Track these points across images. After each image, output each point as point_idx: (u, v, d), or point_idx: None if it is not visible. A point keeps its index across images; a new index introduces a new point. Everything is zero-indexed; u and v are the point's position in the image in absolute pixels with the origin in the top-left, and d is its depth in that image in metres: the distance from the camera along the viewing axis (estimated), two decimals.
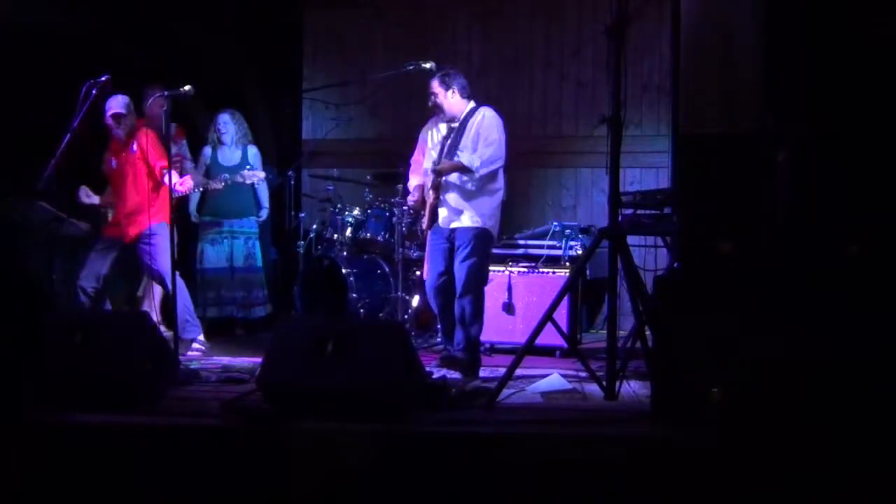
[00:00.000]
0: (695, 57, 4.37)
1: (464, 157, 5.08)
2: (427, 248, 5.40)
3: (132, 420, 3.77)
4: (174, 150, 6.36)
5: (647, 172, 7.25)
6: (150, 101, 5.86)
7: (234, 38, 7.17)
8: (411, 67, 5.04)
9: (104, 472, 3.57)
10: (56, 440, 3.64)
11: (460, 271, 5.09)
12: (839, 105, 4.03)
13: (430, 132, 5.36)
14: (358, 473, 3.53)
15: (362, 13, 7.95)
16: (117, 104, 5.64)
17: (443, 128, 5.28)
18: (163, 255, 5.49)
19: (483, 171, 5.06)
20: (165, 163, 5.35)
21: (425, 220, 5.28)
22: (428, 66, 4.96)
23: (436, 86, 5.18)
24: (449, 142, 5.19)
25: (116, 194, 5.81)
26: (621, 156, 4.43)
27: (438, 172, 5.13)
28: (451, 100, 5.18)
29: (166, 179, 5.32)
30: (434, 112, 5.27)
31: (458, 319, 5.13)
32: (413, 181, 5.48)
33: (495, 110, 5.22)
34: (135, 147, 5.66)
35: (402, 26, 7.82)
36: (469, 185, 5.10)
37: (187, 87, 5.11)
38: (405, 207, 6.07)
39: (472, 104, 5.23)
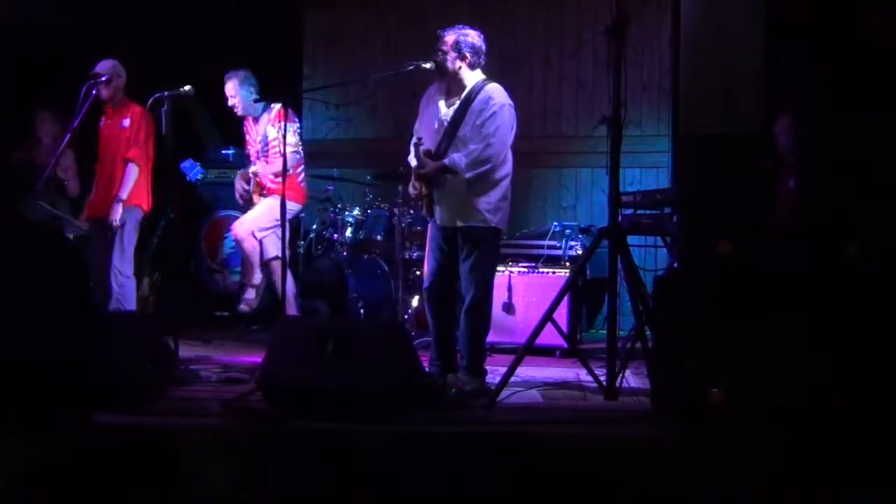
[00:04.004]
0: (695, 57, 4.37)
1: (453, 156, 4.54)
2: (427, 240, 4.96)
3: (132, 420, 3.77)
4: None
5: (647, 172, 7.24)
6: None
7: (234, 38, 7.16)
8: (411, 67, 4.99)
9: (104, 472, 3.57)
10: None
11: (466, 280, 4.60)
12: (839, 105, 4.03)
13: (430, 106, 4.81)
14: (357, 473, 3.53)
15: (362, 13, 7.94)
16: (101, 67, 5.58)
17: (441, 105, 4.74)
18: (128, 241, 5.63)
19: (471, 175, 4.51)
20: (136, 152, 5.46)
21: (423, 208, 4.81)
22: (428, 66, 4.91)
23: (449, 44, 4.68)
24: (448, 126, 4.64)
25: (100, 161, 5.78)
26: (621, 156, 4.43)
27: (423, 176, 4.64)
28: (459, 69, 4.67)
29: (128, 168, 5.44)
30: (436, 75, 4.76)
31: (462, 331, 4.65)
32: (413, 156, 4.82)
33: (505, 89, 4.69)
34: (125, 123, 5.63)
35: (402, 26, 7.81)
36: (465, 179, 4.53)
37: (187, 87, 5.10)
38: (400, 200, 6.00)
39: (479, 78, 4.70)
